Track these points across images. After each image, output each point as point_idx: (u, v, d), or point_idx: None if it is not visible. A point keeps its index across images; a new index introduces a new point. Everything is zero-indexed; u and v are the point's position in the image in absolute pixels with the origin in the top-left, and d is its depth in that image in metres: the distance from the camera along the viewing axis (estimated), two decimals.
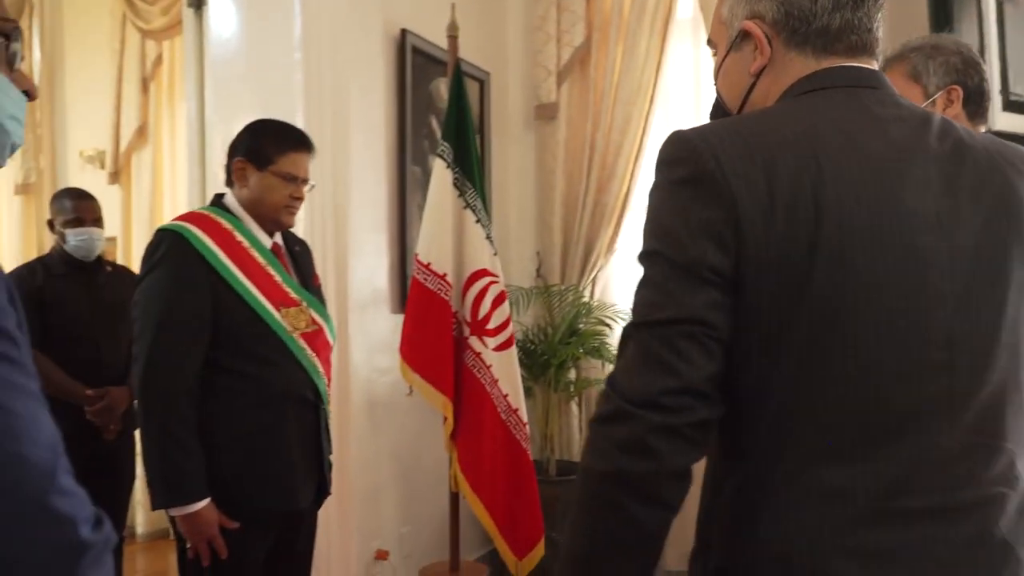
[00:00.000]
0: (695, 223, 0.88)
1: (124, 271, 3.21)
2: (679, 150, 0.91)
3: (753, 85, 1.02)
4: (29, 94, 0.86)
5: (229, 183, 2.03)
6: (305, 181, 2.02)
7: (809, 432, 0.88)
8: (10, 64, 0.83)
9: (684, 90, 3.81)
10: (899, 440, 0.88)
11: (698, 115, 3.71)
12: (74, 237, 2.84)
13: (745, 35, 1.01)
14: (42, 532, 0.64)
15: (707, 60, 3.65)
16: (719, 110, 1.10)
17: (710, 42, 1.10)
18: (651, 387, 0.86)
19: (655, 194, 0.94)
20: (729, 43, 1.04)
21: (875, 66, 0.99)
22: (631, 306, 0.93)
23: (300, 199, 2.01)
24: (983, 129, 1.64)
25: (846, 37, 0.97)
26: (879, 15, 0.99)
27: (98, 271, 2.95)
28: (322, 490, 2.05)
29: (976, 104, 1.64)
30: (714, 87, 1.10)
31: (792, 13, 0.97)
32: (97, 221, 2.92)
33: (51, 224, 2.92)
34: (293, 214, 2.01)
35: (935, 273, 0.88)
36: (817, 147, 0.88)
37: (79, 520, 0.66)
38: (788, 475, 0.89)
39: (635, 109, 3.77)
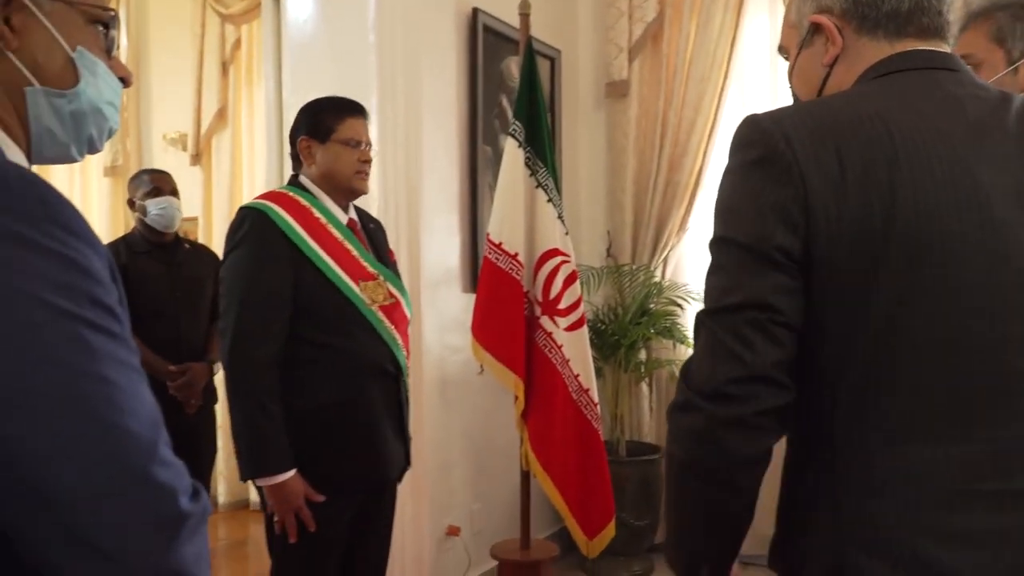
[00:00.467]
0: (764, 204, 0.88)
1: (202, 249, 3.30)
2: (750, 133, 0.92)
3: (827, 76, 1.02)
4: (125, 81, 0.89)
5: (297, 165, 2.07)
6: (369, 144, 2.05)
7: (891, 412, 0.87)
8: (108, 52, 0.87)
9: (760, 65, 3.71)
10: (986, 420, 0.86)
11: (774, 90, 3.61)
12: (154, 206, 2.90)
13: (816, 29, 1.02)
14: (144, 502, 0.66)
15: None
16: None
17: (782, 49, 1.11)
18: (717, 376, 0.87)
19: (727, 179, 0.95)
20: (800, 41, 1.05)
21: (948, 50, 0.99)
22: (703, 293, 0.94)
23: (368, 162, 2.04)
24: None
25: (917, 19, 0.97)
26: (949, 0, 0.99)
27: (177, 249, 3.03)
28: (405, 462, 2.09)
29: None
30: (790, 90, 1.10)
31: (860, 0, 0.98)
32: (174, 192, 2.98)
33: (131, 203, 2.99)
34: (365, 179, 2.05)
35: (1017, 247, 0.86)
36: (890, 124, 0.88)
37: (179, 491, 0.68)
38: (870, 457, 0.88)
39: (709, 85, 3.69)
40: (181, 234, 3.14)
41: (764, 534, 1.00)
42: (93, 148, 0.88)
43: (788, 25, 1.08)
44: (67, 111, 0.83)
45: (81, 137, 0.86)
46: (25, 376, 0.62)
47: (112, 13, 0.87)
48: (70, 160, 0.87)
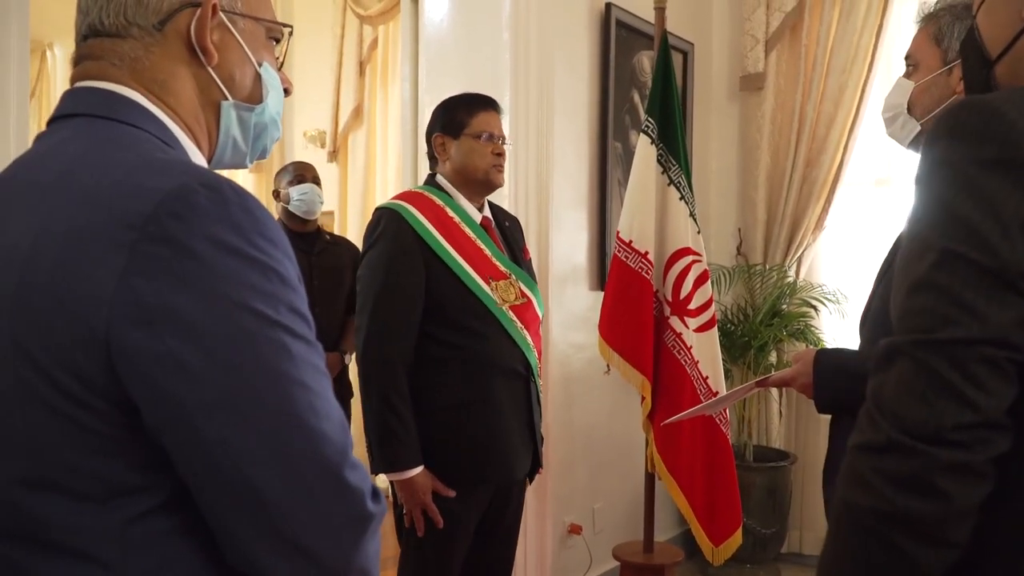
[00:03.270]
0: (1012, 219, 0.73)
1: (342, 241, 3.40)
2: (987, 122, 0.75)
3: (1021, 32, 0.87)
4: (287, 91, 0.93)
5: (434, 164, 2.11)
6: (502, 138, 2.06)
7: None
8: (280, 66, 0.91)
9: None
10: None
11: None
12: (296, 193, 3.05)
13: None
14: (339, 503, 0.70)
15: None
16: (974, 50, 0.95)
17: None
18: (940, 420, 0.73)
19: (944, 173, 0.78)
20: None
21: None
22: (900, 314, 0.79)
23: (502, 155, 2.05)
24: None
25: None
26: None
27: (317, 239, 3.15)
28: (535, 463, 2.09)
29: None
30: (974, 17, 0.96)
31: None
32: (316, 180, 3.13)
33: (276, 193, 3.14)
34: (501, 171, 2.06)
35: None
36: None
37: (366, 492, 0.71)
38: None
39: (851, 77, 3.52)
40: (321, 227, 3.27)
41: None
42: (264, 156, 0.94)
43: None
44: (252, 123, 0.88)
45: (258, 147, 0.91)
46: (240, 382, 0.66)
47: (289, 29, 0.91)
48: (243, 166, 0.93)
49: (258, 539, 0.67)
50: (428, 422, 1.91)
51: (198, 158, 0.84)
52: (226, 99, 0.84)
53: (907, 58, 1.51)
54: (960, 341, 0.74)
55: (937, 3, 1.49)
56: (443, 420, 1.93)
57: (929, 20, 1.48)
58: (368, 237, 1.99)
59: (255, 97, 0.87)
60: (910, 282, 0.78)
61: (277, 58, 0.91)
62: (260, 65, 0.87)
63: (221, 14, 0.82)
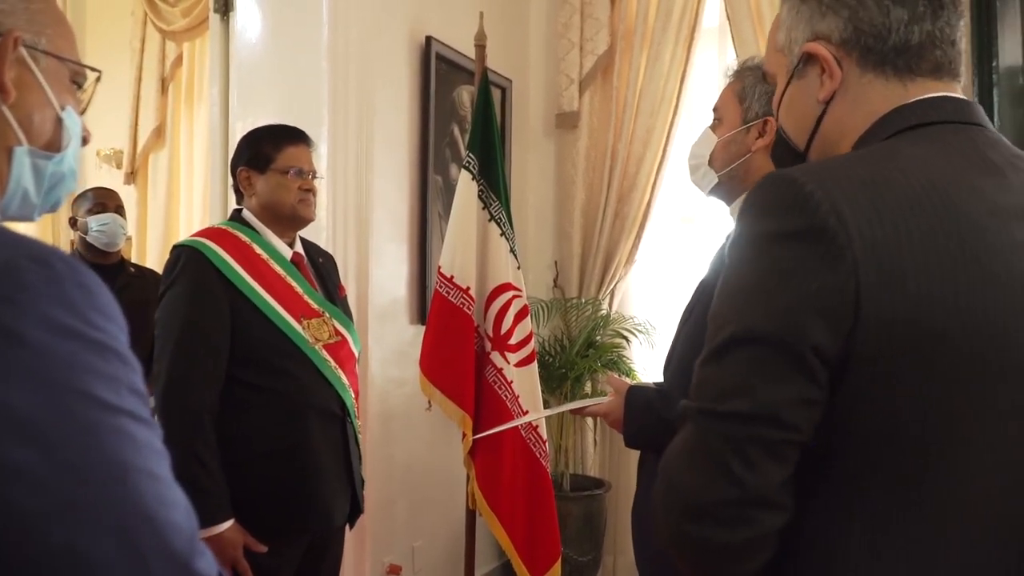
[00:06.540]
0: (803, 292, 0.72)
1: (148, 273, 3.16)
2: (786, 196, 0.75)
3: (823, 114, 0.89)
4: (85, 140, 0.85)
5: (240, 198, 2.01)
6: (312, 172, 1.99)
7: (917, 545, 0.75)
8: (82, 112, 0.83)
9: (709, 100, 3.74)
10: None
11: None
12: (96, 223, 2.81)
13: (809, 59, 0.88)
14: None
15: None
16: (783, 147, 0.97)
17: (767, 76, 0.99)
18: (706, 495, 0.75)
19: (744, 247, 0.78)
20: (790, 70, 0.91)
21: (960, 93, 0.87)
22: (695, 380, 0.79)
23: (311, 190, 1.97)
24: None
25: (929, 54, 0.84)
26: (960, 23, 0.86)
27: (120, 272, 2.90)
28: (354, 508, 2.01)
29: None
30: (776, 122, 0.99)
31: (863, 29, 0.84)
32: (119, 209, 2.90)
33: (72, 221, 2.89)
34: (309, 205, 1.98)
35: None
36: (948, 202, 0.75)
37: None
38: None
39: (658, 120, 3.72)
40: (125, 259, 3.02)
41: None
42: (54, 209, 0.84)
43: (774, 49, 0.94)
44: (48, 173, 0.79)
45: (50, 198, 0.82)
46: (87, 483, 0.59)
47: (98, 73, 0.83)
48: (29, 220, 0.82)
49: None
50: (239, 471, 1.79)
51: None
52: (21, 144, 0.75)
53: (714, 110, 1.58)
54: (734, 415, 0.74)
55: (745, 61, 1.57)
56: (255, 468, 1.82)
57: (735, 77, 1.54)
58: (166, 277, 1.86)
59: (54, 144, 0.78)
60: (707, 351, 0.79)
61: (84, 108, 0.82)
62: (63, 109, 0.78)
63: (22, 49, 0.73)
